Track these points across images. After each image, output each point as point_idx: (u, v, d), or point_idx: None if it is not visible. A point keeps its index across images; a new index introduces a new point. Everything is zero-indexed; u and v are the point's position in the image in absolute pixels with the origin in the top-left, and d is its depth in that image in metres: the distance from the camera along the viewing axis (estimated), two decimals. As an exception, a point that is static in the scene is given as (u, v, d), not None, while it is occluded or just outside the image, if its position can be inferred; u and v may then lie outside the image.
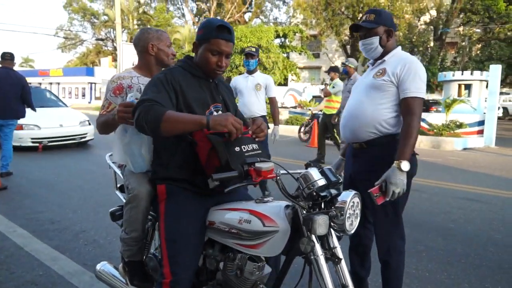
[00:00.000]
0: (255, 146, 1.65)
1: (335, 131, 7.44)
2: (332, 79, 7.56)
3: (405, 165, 1.93)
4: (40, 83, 31.34)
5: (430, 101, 21.32)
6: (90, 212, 4.31)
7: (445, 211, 4.67)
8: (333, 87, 7.30)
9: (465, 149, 10.93)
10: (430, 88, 23.88)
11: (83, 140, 9.10)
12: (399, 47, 2.25)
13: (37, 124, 8.30)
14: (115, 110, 1.86)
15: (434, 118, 12.73)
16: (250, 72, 4.74)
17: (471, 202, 5.09)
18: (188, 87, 1.72)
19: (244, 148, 1.59)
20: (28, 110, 6.27)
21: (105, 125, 2.07)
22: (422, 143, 11.09)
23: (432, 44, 25.14)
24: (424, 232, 3.90)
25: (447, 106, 12.15)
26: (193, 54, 1.86)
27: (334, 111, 7.32)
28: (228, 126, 1.49)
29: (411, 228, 3.91)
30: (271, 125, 4.89)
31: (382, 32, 2.16)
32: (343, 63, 7.02)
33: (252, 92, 4.64)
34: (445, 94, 15.46)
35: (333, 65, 8.26)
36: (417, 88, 2.04)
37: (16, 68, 6.49)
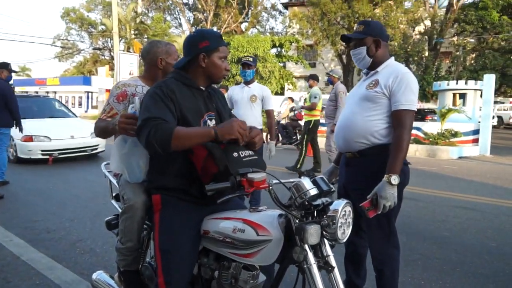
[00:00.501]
0: (251, 152, 1.70)
1: (307, 139, 7.53)
2: (310, 87, 7.77)
3: (395, 179, 1.96)
4: (36, 92, 31.28)
5: (425, 110, 21.49)
6: (86, 221, 4.30)
7: (441, 220, 4.69)
8: (315, 97, 7.43)
9: (460, 157, 11.00)
10: (425, 97, 24.09)
11: (94, 152, 8.59)
12: (392, 58, 2.28)
13: (48, 135, 7.90)
14: (116, 120, 1.88)
15: (429, 127, 12.81)
16: (247, 82, 4.48)
17: (466, 211, 5.12)
18: (182, 97, 1.75)
19: (242, 154, 1.64)
20: (41, 121, 6.29)
21: (103, 131, 2.09)
22: (418, 151, 11.16)
23: (427, 54, 25.40)
24: (420, 241, 3.92)
25: (442, 115, 12.26)
26: None
27: (315, 119, 7.50)
28: (235, 133, 1.58)
29: (406, 236, 3.93)
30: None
31: (370, 42, 2.20)
32: (327, 73, 7.21)
33: (247, 104, 4.36)
34: (440, 103, 15.59)
35: (313, 73, 8.48)
36: (408, 100, 2.06)
37: (12, 77, 6.36)
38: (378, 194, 1.97)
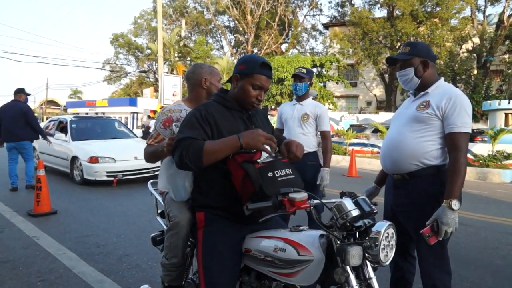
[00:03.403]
0: (288, 171, 1.69)
1: None
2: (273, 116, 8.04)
3: (456, 204, 1.91)
4: (87, 113, 33.07)
5: (475, 131, 20.50)
6: (132, 237, 4.47)
7: (493, 247, 4.43)
8: None
9: (513, 181, 10.35)
10: (475, 117, 22.98)
11: (156, 173, 8.12)
12: (442, 79, 2.23)
13: (112, 156, 7.88)
14: (164, 142, 1.98)
15: (479, 148, 12.21)
16: (299, 98, 3.78)
17: (521, 238, 4.81)
18: (222, 119, 1.80)
19: (277, 173, 1.63)
20: (105, 142, 7.69)
21: (152, 155, 2.20)
22: (467, 174, 10.62)
23: (475, 72, 24.38)
24: (471, 269, 3.72)
25: (493, 136, 11.65)
26: (228, 86, 1.96)
27: None
28: (257, 145, 1.61)
29: (456, 263, 3.74)
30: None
31: (417, 63, 2.16)
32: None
33: (297, 123, 3.72)
34: (491, 124, 14.89)
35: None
36: (463, 123, 2.01)
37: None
38: (439, 220, 1.92)
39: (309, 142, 3.68)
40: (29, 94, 7.47)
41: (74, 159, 8.10)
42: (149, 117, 22.75)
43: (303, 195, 1.48)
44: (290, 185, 1.60)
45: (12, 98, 7.24)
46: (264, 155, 1.68)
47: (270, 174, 1.62)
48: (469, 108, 2.05)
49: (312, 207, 1.50)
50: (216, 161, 1.67)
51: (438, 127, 2.08)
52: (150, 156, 2.22)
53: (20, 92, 7.23)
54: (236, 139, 1.64)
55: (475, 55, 25.11)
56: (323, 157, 3.70)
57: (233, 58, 35.11)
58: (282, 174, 1.65)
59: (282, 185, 1.59)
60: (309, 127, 3.71)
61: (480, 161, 11.21)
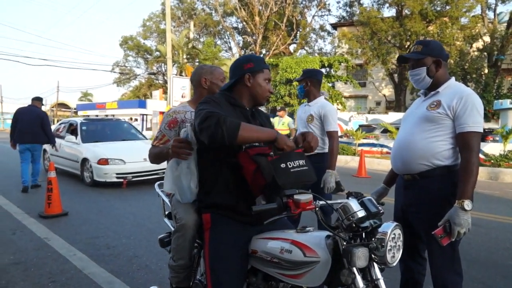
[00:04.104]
0: (301, 162, 1.66)
1: None
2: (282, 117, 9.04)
3: (468, 204, 1.90)
4: (97, 115, 33.36)
5: (486, 130, 20.22)
6: (142, 238, 4.50)
7: (505, 247, 4.37)
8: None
9: (526, 181, 10.19)
10: (486, 116, 22.67)
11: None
12: (453, 78, 2.21)
13: (122, 158, 7.94)
14: (170, 144, 2.00)
15: (490, 148, 12.04)
16: (309, 100, 3.79)
17: (533, 238, 4.73)
18: (227, 112, 1.82)
19: (290, 164, 1.62)
20: (115, 144, 8.20)
21: (157, 156, 2.22)
22: (478, 174, 10.49)
23: (486, 71, 24.05)
24: (482, 270, 3.68)
25: (505, 135, 11.48)
26: None
27: None
28: (289, 144, 1.63)
29: (467, 264, 3.70)
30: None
31: (429, 63, 2.14)
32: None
33: (304, 124, 3.72)
34: (502, 123, 14.65)
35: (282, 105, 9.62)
36: (475, 122, 2.00)
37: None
38: (452, 221, 1.91)
39: None
40: (43, 104, 8.28)
41: (84, 161, 8.18)
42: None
43: (308, 196, 1.48)
44: (303, 176, 1.61)
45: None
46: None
47: (283, 165, 1.60)
48: (480, 107, 2.03)
49: (317, 209, 1.50)
50: (249, 141, 1.66)
51: (449, 127, 2.06)
52: (155, 157, 2.24)
53: (38, 100, 7.89)
54: (274, 131, 1.68)
55: (485, 53, 24.74)
56: (329, 159, 3.55)
57: (241, 59, 35.07)
58: (295, 165, 1.63)
59: (295, 176, 1.59)
60: (315, 128, 3.64)
61: (492, 161, 11.06)
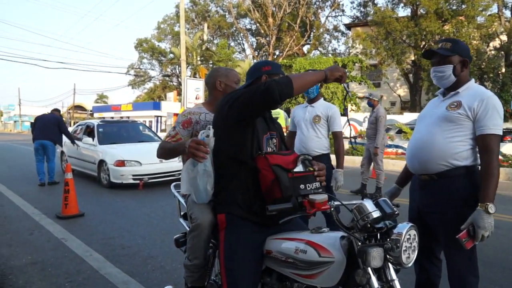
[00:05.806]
0: (317, 184, 1.70)
1: None
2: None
3: (492, 207, 1.89)
4: (112, 117, 33.81)
5: (504, 131, 19.80)
6: (157, 239, 4.55)
7: (523, 250, 4.28)
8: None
9: (546, 182, 9.95)
10: (504, 116, 22.17)
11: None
12: (473, 80, 2.18)
13: (138, 160, 8.02)
14: (187, 143, 2.00)
15: (509, 148, 11.81)
16: (311, 100, 3.84)
17: (554, 241, 4.62)
18: None
19: (309, 187, 1.65)
20: (131, 146, 8.67)
21: (169, 152, 2.27)
22: (496, 175, 10.28)
23: (503, 70, 23.56)
24: (499, 272, 3.61)
25: (523, 135, 11.25)
26: None
27: None
28: (340, 70, 1.81)
29: (485, 266, 3.64)
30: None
31: (457, 62, 2.12)
32: (367, 97, 7.51)
33: (309, 125, 3.76)
34: (521, 123, 14.33)
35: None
36: (495, 125, 1.99)
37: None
38: (476, 224, 1.89)
39: (321, 144, 3.76)
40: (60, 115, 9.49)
41: (101, 162, 8.29)
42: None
43: (323, 196, 1.49)
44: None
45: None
46: (299, 166, 1.71)
47: (302, 186, 1.63)
48: (501, 110, 2.03)
49: (332, 209, 1.50)
50: (305, 88, 1.77)
51: (469, 128, 2.05)
52: (166, 152, 2.30)
53: (56, 110, 9.33)
54: (323, 72, 1.79)
55: (502, 52, 24.22)
56: (336, 158, 3.71)
57: (255, 60, 35.20)
58: (313, 187, 1.67)
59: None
60: (321, 128, 3.76)
61: (510, 162, 10.86)
